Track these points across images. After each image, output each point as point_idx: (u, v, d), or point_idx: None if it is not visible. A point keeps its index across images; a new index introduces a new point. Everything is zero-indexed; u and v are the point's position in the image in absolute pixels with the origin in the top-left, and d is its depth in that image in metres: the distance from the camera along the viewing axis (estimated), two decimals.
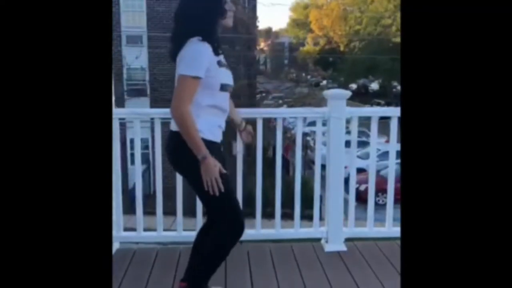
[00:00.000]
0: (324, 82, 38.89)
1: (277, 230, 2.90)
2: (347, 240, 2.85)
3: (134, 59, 14.20)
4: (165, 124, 2.74)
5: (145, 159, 10.94)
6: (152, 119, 2.91)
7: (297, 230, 2.88)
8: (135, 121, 2.75)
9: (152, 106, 14.11)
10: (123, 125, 3.01)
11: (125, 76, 14.87)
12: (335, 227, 2.82)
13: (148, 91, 15.32)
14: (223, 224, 1.97)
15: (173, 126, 1.93)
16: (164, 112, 2.82)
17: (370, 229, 2.94)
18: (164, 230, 2.87)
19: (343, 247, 2.79)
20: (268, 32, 52.46)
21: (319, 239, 2.88)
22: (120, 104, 13.68)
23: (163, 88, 14.90)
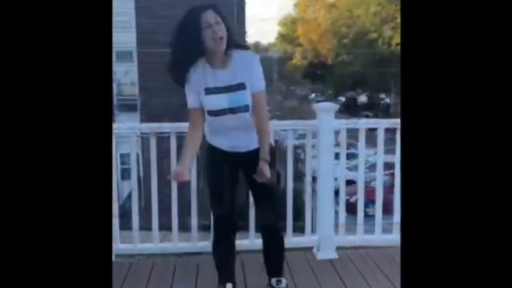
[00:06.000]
0: (313, 95, 39.17)
1: None
2: (338, 248, 2.92)
3: (124, 74, 14.27)
4: (158, 138, 2.82)
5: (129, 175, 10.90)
6: (142, 133, 3.02)
7: (289, 239, 2.95)
8: (131, 136, 2.83)
9: (142, 121, 14.14)
10: None
11: (115, 91, 14.91)
12: (326, 236, 2.89)
13: (138, 106, 15.36)
14: None
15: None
16: (159, 127, 2.90)
17: (360, 237, 3.02)
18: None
19: (334, 255, 2.87)
20: (257, 46, 52.85)
21: (310, 248, 2.96)
22: None
23: (153, 103, 14.94)
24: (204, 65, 2.02)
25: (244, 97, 2.01)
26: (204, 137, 2.12)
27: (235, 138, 2.09)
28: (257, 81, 2.04)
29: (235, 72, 2.01)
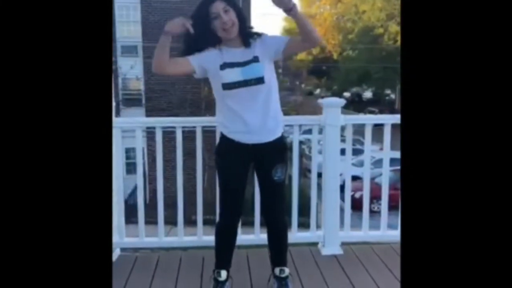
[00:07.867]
0: (318, 90, 39.12)
1: None
2: (343, 244, 2.93)
3: (129, 69, 14.28)
4: (164, 133, 2.83)
5: (134, 169, 10.97)
6: (147, 128, 3.06)
7: (295, 234, 2.96)
8: (137, 130, 2.83)
9: (147, 115, 14.18)
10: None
11: (120, 86, 14.95)
12: (331, 231, 2.90)
13: (143, 101, 15.40)
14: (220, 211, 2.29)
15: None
16: (165, 121, 2.91)
17: (365, 233, 3.02)
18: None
19: (339, 251, 2.87)
20: None
21: (315, 244, 2.96)
22: (116, 113, 13.72)
23: (158, 98, 14.98)
24: (220, 48, 2.10)
25: (258, 69, 2.07)
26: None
27: (250, 123, 2.09)
28: (277, 39, 2.13)
29: (250, 50, 2.09)
